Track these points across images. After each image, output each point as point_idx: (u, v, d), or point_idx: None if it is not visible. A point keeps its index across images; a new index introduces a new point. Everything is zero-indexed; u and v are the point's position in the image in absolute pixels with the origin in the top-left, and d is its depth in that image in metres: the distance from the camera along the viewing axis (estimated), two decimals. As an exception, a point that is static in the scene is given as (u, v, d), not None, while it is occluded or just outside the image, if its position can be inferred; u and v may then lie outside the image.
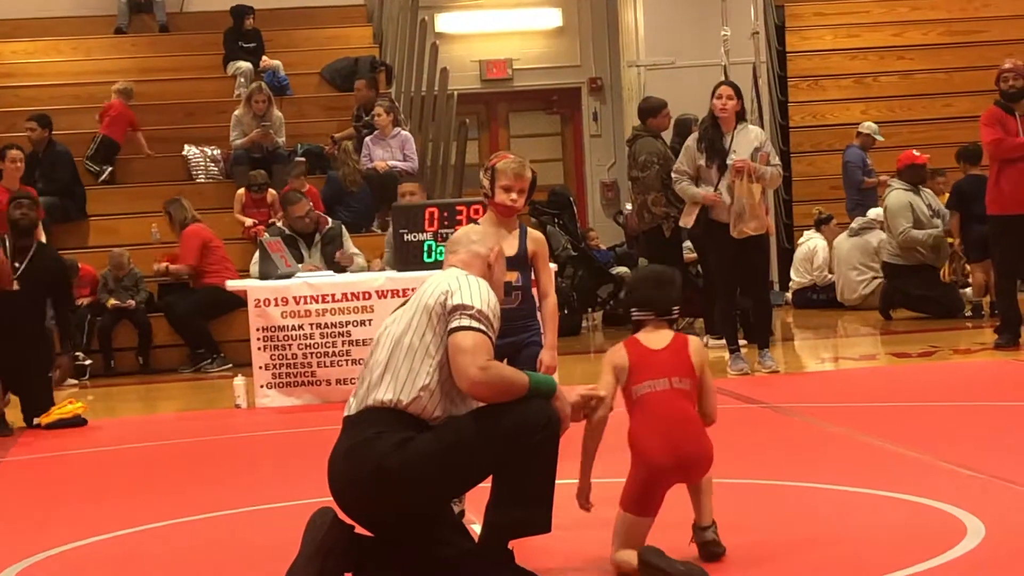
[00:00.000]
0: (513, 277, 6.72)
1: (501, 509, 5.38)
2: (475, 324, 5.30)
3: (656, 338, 5.74)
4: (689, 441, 5.56)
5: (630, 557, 5.51)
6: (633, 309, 5.81)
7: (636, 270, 5.95)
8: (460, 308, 5.33)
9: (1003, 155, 12.53)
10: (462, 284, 5.41)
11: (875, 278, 16.77)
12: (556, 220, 17.25)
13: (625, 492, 5.61)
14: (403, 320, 5.48)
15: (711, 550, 5.76)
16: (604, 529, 5.73)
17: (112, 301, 15.21)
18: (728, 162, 11.69)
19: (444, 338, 5.35)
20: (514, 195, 6.69)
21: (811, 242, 17.74)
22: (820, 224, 17.94)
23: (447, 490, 5.45)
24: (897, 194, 15.97)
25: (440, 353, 5.35)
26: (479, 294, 5.39)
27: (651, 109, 14.76)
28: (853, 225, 17.16)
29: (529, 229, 6.91)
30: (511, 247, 6.73)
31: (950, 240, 15.87)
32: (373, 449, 5.25)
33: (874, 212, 17.03)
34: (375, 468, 5.21)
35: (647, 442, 5.54)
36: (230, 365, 14.45)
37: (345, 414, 5.49)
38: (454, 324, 5.31)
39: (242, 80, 18.91)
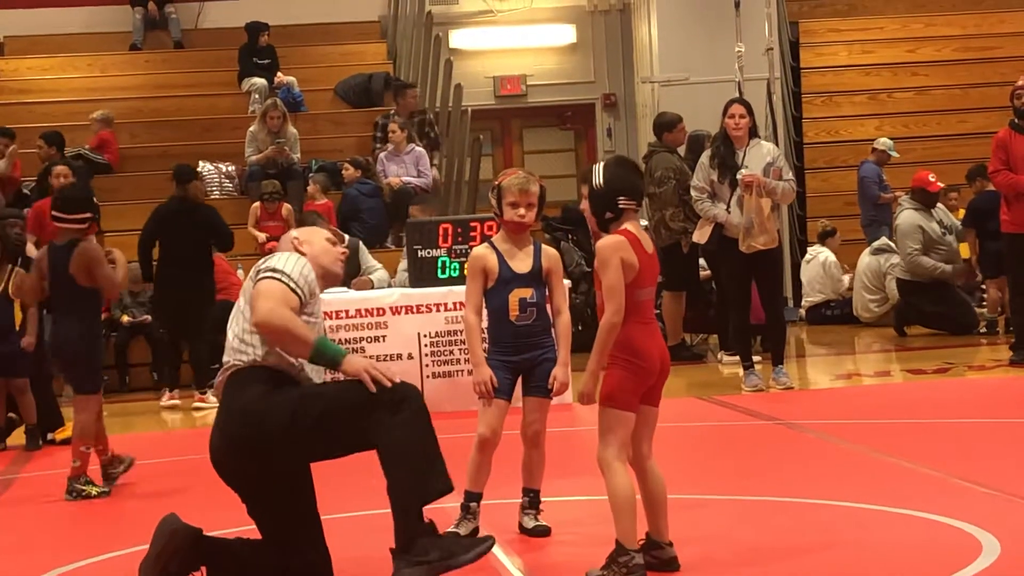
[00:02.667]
0: (528, 293, 6.74)
1: (397, 490, 5.55)
2: (276, 276, 5.69)
3: (645, 237, 5.92)
4: (665, 346, 5.98)
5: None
6: (620, 197, 5.87)
7: (604, 165, 5.98)
8: (267, 269, 5.75)
9: (998, 187, 12.78)
10: (275, 257, 5.82)
11: (886, 300, 16.73)
12: (570, 236, 17.24)
13: (617, 391, 5.71)
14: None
15: (674, 566, 5.82)
16: (605, 545, 5.73)
17: (126, 317, 15.22)
18: (739, 177, 11.69)
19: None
20: (522, 210, 6.74)
21: (821, 256, 17.71)
22: (825, 237, 17.91)
23: (304, 445, 5.64)
24: (908, 215, 15.94)
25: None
26: (290, 262, 5.77)
27: (667, 124, 14.78)
28: (875, 244, 17.12)
29: (544, 246, 6.93)
30: (525, 264, 6.76)
31: (965, 257, 15.83)
32: (233, 405, 5.66)
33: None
34: (238, 411, 5.63)
35: (646, 346, 5.78)
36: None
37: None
38: (258, 278, 5.74)
39: (256, 96, 18.95)
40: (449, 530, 6.47)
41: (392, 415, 5.50)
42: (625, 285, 5.77)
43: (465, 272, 6.79)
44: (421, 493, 5.59)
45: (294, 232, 6.08)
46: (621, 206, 5.87)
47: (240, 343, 5.74)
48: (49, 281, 9.20)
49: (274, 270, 5.72)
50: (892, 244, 16.73)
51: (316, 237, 6.05)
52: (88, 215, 9.06)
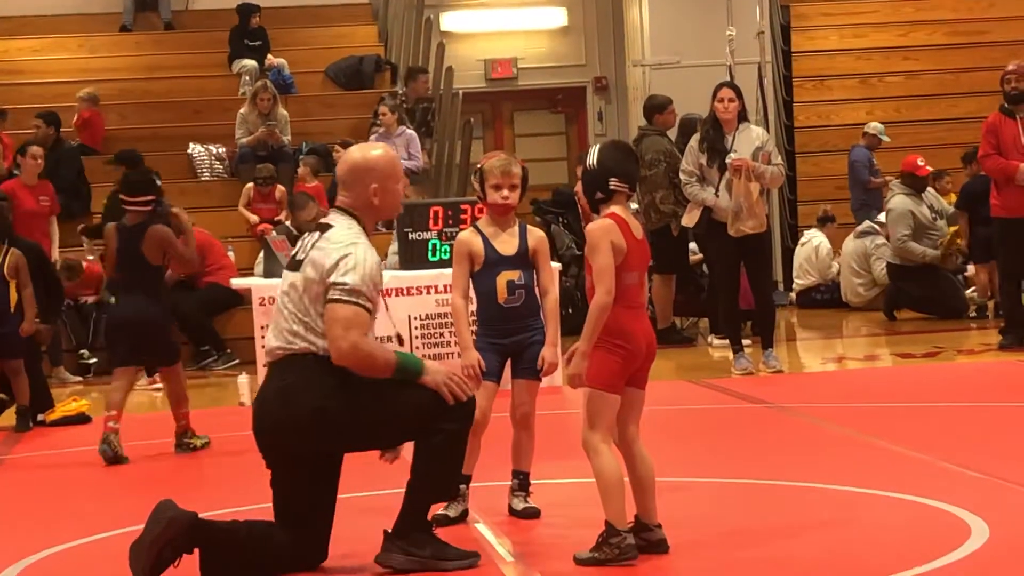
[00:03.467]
0: (515, 275, 6.75)
1: (419, 485, 5.78)
2: (350, 300, 5.71)
3: (634, 222, 5.95)
4: (651, 330, 6.00)
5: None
6: (612, 180, 5.90)
7: (600, 146, 6.03)
8: (340, 286, 5.73)
9: (988, 172, 12.79)
10: (346, 256, 5.77)
11: (874, 283, 16.75)
12: (560, 219, 17.23)
13: (603, 373, 5.75)
14: None
15: (663, 548, 5.84)
16: (594, 527, 5.74)
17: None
18: (728, 161, 11.69)
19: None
20: (505, 192, 6.76)
21: (814, 240, 17.73)
22: (825, 222, 17.92)
23: (357, 438, 5.82)
24: (899, 199, 15.95)
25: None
26: (359, 269, 5.77)
27: (657, 106, 14.79)
28: (859, 227, 17.15)
29: (529, 227, 6.94)
30: (511, 246, 6.78)
31: (959, 240, 15.83)
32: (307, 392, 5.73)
33: (884, 216, 16.99)
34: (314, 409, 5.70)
35: (632, 329, 5.81)
36: (236, 362, 14.44)
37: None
38: (332, 296, 5.74)
39: (247, 78, 18.91)
40: (439, 512, 6.50)
41: (446, 423, 5.73)
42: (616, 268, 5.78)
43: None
44: (439, 495, 6.02)
45: (375, 183, 5.91)
46: (612, 187, 5.89)
47: (298, 329, 5.77)
48: (118, 261, 9.69)
49: (345, 288, 5.69)
50: (876, 227, 16.76)
51: (391, 184, 5.97)
52: (151, 197, 9.57)
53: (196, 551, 5.75)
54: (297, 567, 5.85)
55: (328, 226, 5.89)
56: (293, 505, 5.86)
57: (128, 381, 9.55)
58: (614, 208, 5.90)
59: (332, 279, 5.70)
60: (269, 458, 5.91)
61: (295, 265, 5.88)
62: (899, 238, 15.77)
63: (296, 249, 5.98)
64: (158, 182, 10.02)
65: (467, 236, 6.83)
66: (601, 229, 5.81)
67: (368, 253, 5.79)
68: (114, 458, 9.12)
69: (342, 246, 5.76)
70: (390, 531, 5.80)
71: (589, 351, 5.76)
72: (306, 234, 6.02)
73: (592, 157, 5.96)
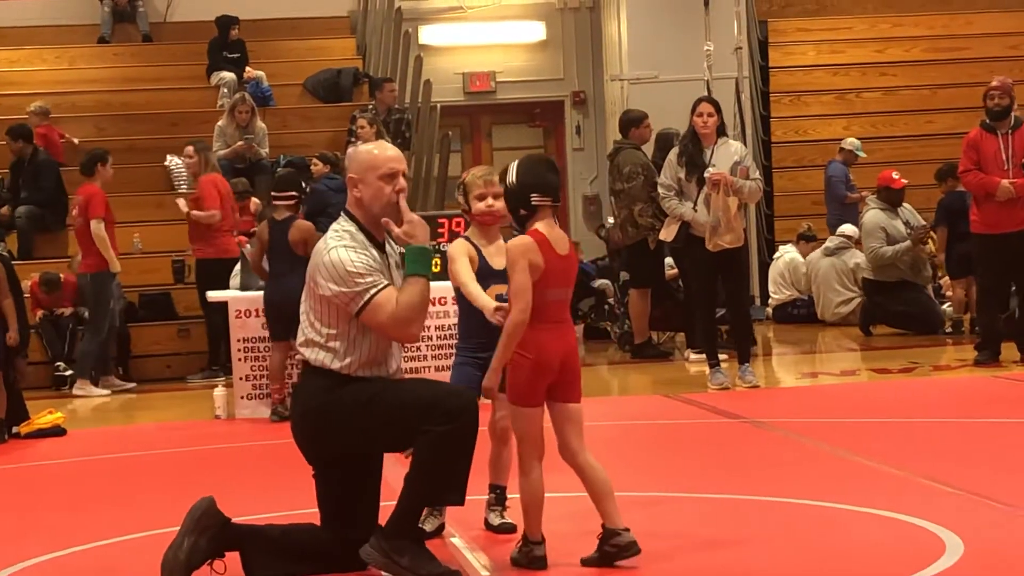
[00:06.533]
0: (504, 289, 6.73)
1: (412, 489, 5.81)
2: (368, 298, 5.86)
3: (558, 237, 5.95)
4: (572, 345, 6.03)
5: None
6: (533, 195, 5.94)
7: (519, 162, 6.04)
8: (353, 296, 5.88)
9: (968, 187, 12.87)
10: (336, 264, 5.89)
11: (852, 298, 16.81)
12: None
13: (515, 387, 5.90)
14: None
15: (635, 550, 5.89)
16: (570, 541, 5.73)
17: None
18: (706, 175, 11.71)
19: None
20: (490, 200, 6.78)
21: (788, 255, 17.77)
22: (803, 239, 17.96)
23: (354, 439, 5.88)
24: (873, 214, 16.03)
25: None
26: (350, 268, 5.88)
27: (633, 120, 14.84)
28: (828, 244, 17.21)
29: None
30: (500, 260, 6.74)
31: (932, 252, 15.88)
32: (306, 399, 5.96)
33: (849, 229, 17.04)
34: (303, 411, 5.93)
35: (542, 341, 5.87)
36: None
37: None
38: (360, 307, 5.87)
39: (225, 91, 18.88)
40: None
41: (444, 424, 5.72)
42: (533, 285, 5.84)
43: (450, 260, 6.76)
44: (430, 499, 6.04)
45: (352, 172, 6.03)
46: (534, 203, 5.92)
47: (316, 339, 5.92)
48: (269, 250, 11.32)
49: (349, 296, 5.82)
50: (846, 240, 16.84)
51: (371, 176, 5.99)
52: (295, 193, 11.39)
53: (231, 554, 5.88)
54: (340, 566, 5.93)
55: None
56: (325, 505, 6.01)
57: (284, 353, 11.15)
58: (538, 224, 5.94)
59: (332, 295, 5.83)
60: (307, 458, 6.06)
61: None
62: (870, 247, 15.84)
63: None
64: (302, 183, 11.79)
65: (464, 242, 6.83)
66: (519, 248, 5.86)
67: (339, 254, 5.84)
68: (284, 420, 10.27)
69: (322, 255, 5.87)
70: (381, 527, 5.86)
71: (499, 368, 5.89)
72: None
73: (511, 175, 5.99)
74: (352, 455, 5.95)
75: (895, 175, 16.08)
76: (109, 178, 14.50)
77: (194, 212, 14.84)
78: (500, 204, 6.77)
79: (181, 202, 15.23)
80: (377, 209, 5.98)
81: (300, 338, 6.00)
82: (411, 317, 5.83)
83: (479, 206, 6.78)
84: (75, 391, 14.02)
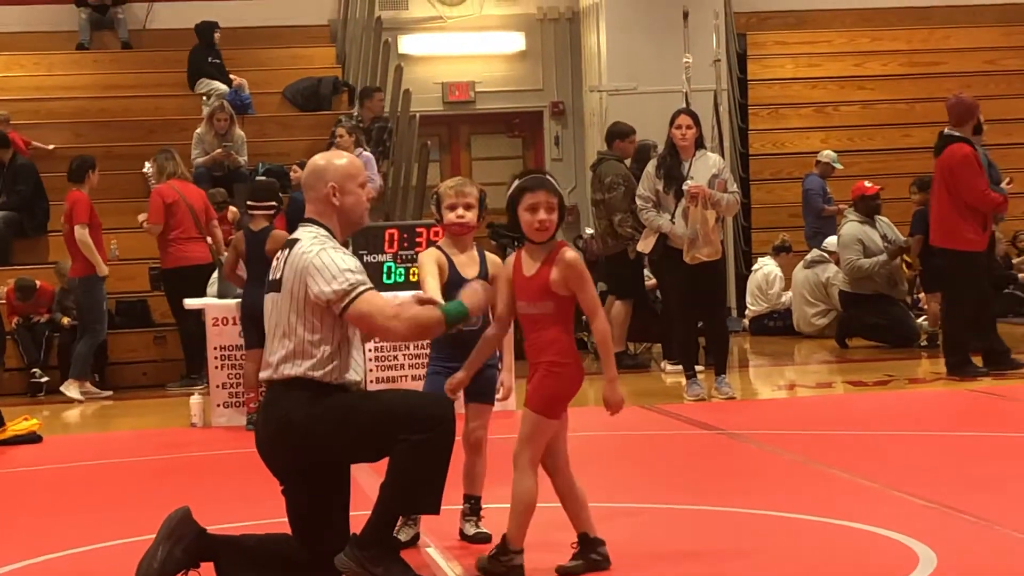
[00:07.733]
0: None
1: (387, 497, 5.78)
2: (360, 294, 5.83)
3: (529, 264, 6.07)
4: None
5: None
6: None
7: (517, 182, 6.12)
8: (345, 294, 5.84)
9: (983, 206, 12.59)
10: (330, 261, 5.86)
11: (828, 310, 16.87)
12: (516, 243, 17.24)
13: (557, 399, 5.98)
14: None
15: (607, 564, 5.95)
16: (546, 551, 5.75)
17: (66, 319, 15.11)
18: (684, 188, 11.73)
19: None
20: (461, 210, 6.81)
21: (765, 268, 17.82)
22: (780, 251, 18.01)
23: (335, 449, 5.86)
24: (850, 226, 16.09)
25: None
26: (340, 267, 5.86)
27: (620, 133, 14.89)
28: (808, 256, 17.26)
29: (487, 253, 6.96)
30: (472, 270, 6.80)
31: (907, 262, 15.92)
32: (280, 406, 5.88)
33: (831, 241, 17.09)
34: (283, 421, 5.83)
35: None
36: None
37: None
38: (347, 306, 5.82)
39: (215, 99, 18.79)
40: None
41: (420, 432, 5.72)
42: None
43: (416, 269, 6.82)
44: (406, 509, 6.07)
45: (332, 181, 5.98)
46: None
47: (298, 349, 5.86)
48: (247, 260, 11.26)
49: (341, 292, 5.76)
50: (826, 255, 16.90)
51: (351, 185, 6.01)
52: (274, 203, 11.35)
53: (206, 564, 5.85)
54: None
55: (295, 240, 5.94)
56: (295, 523, 5.98)
57: (259, 362, 10.57)
58: (526, 247, 6.13)
59: (325, 296, 5.78)
60: (273, 472, 6.02)
61: (275, 285, 5.94)
62: (847, 259, 15.90)
63: (272, 270, 6.01)
64: (279, 192, 11.68)
65: (433, 251, 6.84)
66: (582, 262, 6.04)
67: (334, 253, 5.84)
68: None
69: (309, 259, 5.82)
70: (356, 535, 5.84)
71: (615, 375, 6.05)
72: (278, 254, 6.02)
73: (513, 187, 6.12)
74: (321, 468, 5.92)
75: (867, 183, 16.16)
76: (95, 184, 14.53)
77: (144, 224, 15.05)
78: (471, 215, 6.82)
79: (141, 216, 15.35)
80: (356, 216, 6.03)
81: (276, 355, 5.89)
82: (406, 318, 5.83)
83: (450, 216, 6.82)
84: (62, 389, 14.09)
